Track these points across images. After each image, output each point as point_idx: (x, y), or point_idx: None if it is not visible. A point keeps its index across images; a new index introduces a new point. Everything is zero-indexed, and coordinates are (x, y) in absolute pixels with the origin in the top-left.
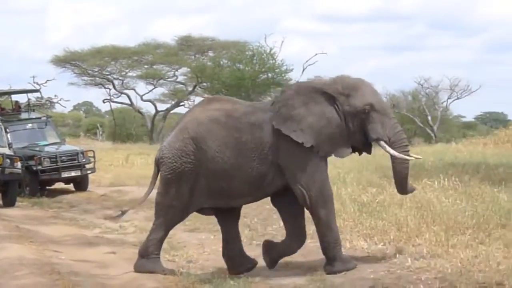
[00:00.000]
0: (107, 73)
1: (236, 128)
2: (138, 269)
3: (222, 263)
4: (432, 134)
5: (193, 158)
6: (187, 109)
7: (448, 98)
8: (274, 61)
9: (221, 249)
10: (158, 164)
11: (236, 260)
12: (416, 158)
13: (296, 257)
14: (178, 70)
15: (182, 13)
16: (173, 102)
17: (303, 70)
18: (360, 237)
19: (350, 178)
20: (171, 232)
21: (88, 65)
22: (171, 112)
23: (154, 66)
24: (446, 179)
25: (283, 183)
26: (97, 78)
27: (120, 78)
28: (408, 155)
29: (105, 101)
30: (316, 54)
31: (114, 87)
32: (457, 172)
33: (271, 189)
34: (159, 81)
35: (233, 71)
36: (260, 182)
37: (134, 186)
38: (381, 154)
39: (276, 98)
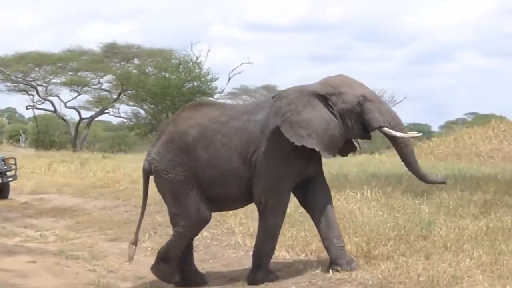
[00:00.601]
0: (31, 79)
1: (224, 133)
2: (157, 273)
3: (143, 273)
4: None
5: (186, 168)
6: (171, 117)
7: None
8: (200, 69)
9: (142, 258)
10: (148, 175)
11: (192, 276)
12: (418, 135)
13: (218, 267)
14: (103, 78)
15: (108, 20)
16: (97, 110)
17: (229, 79)
18: (283, 248)
19: None
20: (90, 241)
21: (11, 71)
22: (96, 119)
23: (79, 73)
24: (369, 190)
25: None
26: (21, 84)
27: (44, 84)
28: (406, 134)
29: (28, 107)
30: (242, 64)
31: (37, 93)
32: (380, 184)
33: None
34: (84, 88)
35: (159, 79)
36: (250, 186)
37: (55, 194)
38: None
39: (274, 102)
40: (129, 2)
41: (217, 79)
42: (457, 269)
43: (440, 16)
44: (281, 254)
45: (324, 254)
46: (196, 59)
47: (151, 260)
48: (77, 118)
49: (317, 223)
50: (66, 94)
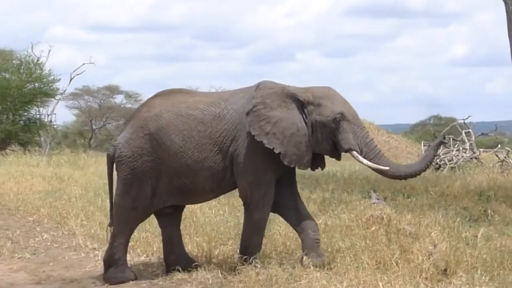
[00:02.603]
0: None
1: (200, 120)
2: (109, 280)
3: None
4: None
5: (155, 156)
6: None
7: None
8: (41, 70)
9: None
10: (112, 162)
11: (183, 261)
12: (385, 169)
13: (59, 270)
14: None
15: None
16: None
17: (71, 79)
18: None
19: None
20: None
21: None
22: None
23: None
24: None
25: None
26: None
27: None
28: (382, 164)
29: None
30: (83, 64)
31: None
32: None
33: (229, 185)
34: None
35: None
36: (221, 177)
37: None
38: None
39: (252, 92)
40: None
41: (59, 80)
42: (295, 267)
43: (281, 17)
44: None
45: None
46: (37, 60)
47: None
48: None
49: (289, 218)
50: None
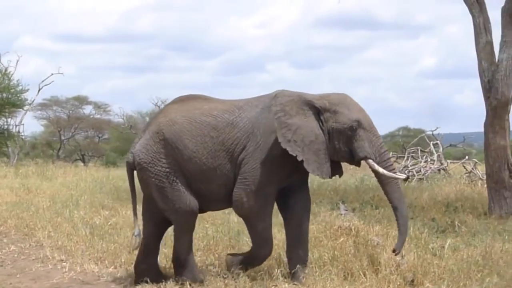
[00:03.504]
0: None
1: (213, 126)
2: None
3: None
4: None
5: (171, 159)
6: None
7: None
8: (9, 80)
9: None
10: (133, 168)
11: (153, 273)
12: (401, 177)
13: (26, 282)
14: None
15: None
16: None
17: (39, 90)
18: (91, 261)
19: (83, 200)
20: None
21: None
22: None
23: None
24: None
25: None
26: None
27: None
28: (396, 174)
29: None
30: (52, 74)
31: None
32: None
33: None
34: None
35: None
36: (234, 185)
37: None
38: (114, 175)
39: (270, 101)
40: None
41: (27, 90)
42: (264, 278)
43: (251, 28)
44: (90, 267)
45: (133, 266)
46: (5, 70)
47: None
48: None
49: (288, 231)
50: None
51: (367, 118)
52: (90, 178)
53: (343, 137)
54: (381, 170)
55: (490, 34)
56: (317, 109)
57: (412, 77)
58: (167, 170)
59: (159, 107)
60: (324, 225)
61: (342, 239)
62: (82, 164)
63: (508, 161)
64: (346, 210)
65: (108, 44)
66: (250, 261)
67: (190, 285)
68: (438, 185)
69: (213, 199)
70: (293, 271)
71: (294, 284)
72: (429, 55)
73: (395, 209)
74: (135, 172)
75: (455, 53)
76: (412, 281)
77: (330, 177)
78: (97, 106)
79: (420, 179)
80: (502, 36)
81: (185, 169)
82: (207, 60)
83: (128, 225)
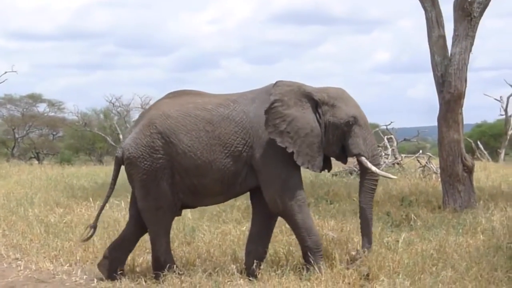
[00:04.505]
0: None
1: (209, 121)
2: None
3: None
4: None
5: (163, 153)
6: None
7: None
8: None
9: None
10: (120, 163)
11: (113, 267)
12: (392, 178)
13: None
14: None
15: None
16: None
17: None
18: (46, 259)
19: (37, 198)
20: None
21: None
22: None
23: None
24: None
25: (257, 183)
26: None
27: None
28: (381, 171)
29: None
30: (5, 72)
31: None
32: None
33: (243, 189)
34: None
35: None
36: (232, 180)
37: None
38: (69, 173)
39: (269, 90)
40: None
41: None
42: (219, 274)
43: (204, 24)
44: (45, 265)
45: (88, 264)
46: None
47: None
48: None
49: (254, 226)
50: None
51: (363, 115)
52: (44, 176)
53: (338, 132)
54: (373, 168)
55: (443, 28)
56: (316, 101)
57: (366, 71)
58: (156, 165)
59: (113, 104)
60: (279, 220)
61: None
62: (37, 162)
63: (461, 154)
64: None
65: (61, 42)
66: (306, 258)
67: (145, 282)
68: (393, 179)
69: (206, 194)
70: (249, 266)
71: (249, 280)
72: (383, 50)
73: (364, 197)
74: (124, 167)
75: (408, 47)
76: (367, 275)
77: (320, 171)
78: (51, 104)
79: None
80: (455, 30)
81: (177, 164)
82: (160, 56)
83: (83, 222)
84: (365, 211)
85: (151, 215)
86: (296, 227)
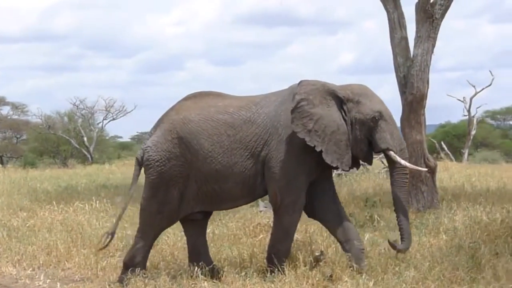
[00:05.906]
0: None
1: (230, 124)
2: (123, 282)
3: None
4: (89, 156)
5: (183, 161)
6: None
7: (104, 119)
8: None
9: None
10: (141, 164)
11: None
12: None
13: None
14: None
15: None
16: None
17: None
18: (9, 263)
19: (0, 202)
20: None
21: None
22: None
23: None
24: (98, 202)
25: None
26: None
27: None
28: (411, 165)
29: None
30: None
31: None
32: (110, 194)
33: (261, 191)
34: None
35: None
36: (252, 182)
37: None
38: (33, 176)
39: (290, 93)
40: None
41: None
42: (183, 276)
43: (170, 25)
44: (8, 269)
45: (51, 268)
46: None
47: None
48: None
49: (332, 228)
50: None
51: (388, 110)
52: (8, 180)
53: (365, 128)
54: (403, 162)
55: (405, 29)
56: (340, 99)
57: (332, 72)
58: (173, 172)
59: (77, 106)
60: (243, 222)
61: (261, 236)
62: (0, 165)
63: (424, 155)
64: (265, 207)
65: (26, 44)
66: (270, 260)
67: (109, 285)
68: (357, 180)
69: (226, 198)
70: (355, 262)
71: (213, 282)
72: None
73: (398, 194)
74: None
75: (372, 48)
76: (331, 276)
77: (349, 170)
78: (14, 106)
79: (339, 174)
80: (417, 32)
81: (196, 170)
82: (125, 58)
83: (46, 226)
84: (402, 204)
85: (150, 216)
86: (279, 226)
